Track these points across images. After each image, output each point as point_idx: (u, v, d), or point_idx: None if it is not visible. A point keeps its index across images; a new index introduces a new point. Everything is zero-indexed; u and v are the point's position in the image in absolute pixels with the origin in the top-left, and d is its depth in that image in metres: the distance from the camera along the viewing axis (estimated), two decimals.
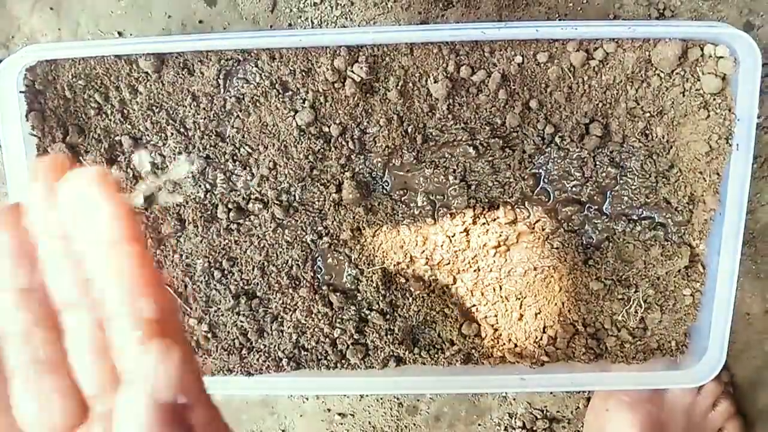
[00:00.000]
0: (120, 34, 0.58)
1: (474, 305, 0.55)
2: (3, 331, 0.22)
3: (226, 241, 0.55)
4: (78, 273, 0.21)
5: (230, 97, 0.52)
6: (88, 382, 0.22)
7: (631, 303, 0.54)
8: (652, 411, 0.56)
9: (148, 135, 0.53)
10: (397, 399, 0.65)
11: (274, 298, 0.55)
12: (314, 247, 0.55)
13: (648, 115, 0.51)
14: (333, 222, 0.54)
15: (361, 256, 0.55)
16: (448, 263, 0.54)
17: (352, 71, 0.51)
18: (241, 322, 0.55)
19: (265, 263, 0.55)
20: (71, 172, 0.22)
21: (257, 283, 0.55)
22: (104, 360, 0.22)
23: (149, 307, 0.20)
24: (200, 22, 0.58)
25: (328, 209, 0.54)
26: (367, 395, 0.65)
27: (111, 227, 0.20)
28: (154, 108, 0.53)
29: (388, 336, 0.55)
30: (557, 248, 0.54)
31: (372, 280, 0.54)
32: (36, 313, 0.22)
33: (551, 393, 0.64)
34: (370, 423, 0.66)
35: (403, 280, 0.55)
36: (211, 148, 0.53)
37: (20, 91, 0.52)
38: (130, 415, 0.20)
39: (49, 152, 0.53)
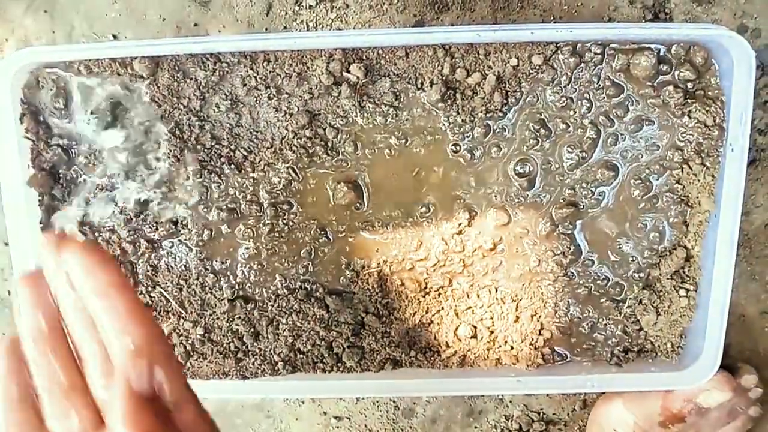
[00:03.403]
0: (115, 36, 0.58)
1: (470, 307, 0.55)
2: (32, 362, 0.29)
3: (221, 244, 0.55)
4: (86, 316, 0.29)
5: (225, 100, 0.52)
6: (100, 398, 0.28)
7: (626, 305, 0.54)
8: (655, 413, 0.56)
9: (142, 138, 0.53)
10: (394, 402, 0.65)
11: (270, 302, 0.55)
12: (310, 250, 0.55)
13: (642, 116, 0.51)
14: (328, 224, 0.54)
15: (356, 258, 0.54)
16: (444, 265, 0.54)
17: (348, 74, 0.51)
18: (237, 325, 0.55)
19: (260, 266, 0.55)
20: (68, 245, 0.29)
21: (252, 287, 0.55)
22: (110, 377, 0.28)
23: (133, 338, 0.28)
24: (195, 24, 0.58)
25: (324, 212, 0.54)
26: (363, 398, 0.65)
27: (101, 281, 0.28)
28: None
29: (384, 339, 0.55)
30: (552, 250, 0.54)
31: (368, 283, 0.54)
32: (57, 349, 0.29)
33: (547, 395, 0.64)
34: (366, 426, 0.66)
35: (399, 283, 0.55)
36: (206, 151, 0.53)
37: (14, 94, 0.52)
38: (115, 403, 0.27)
39: (42, 155, 0.53)
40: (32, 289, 0.30)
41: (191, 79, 0.52)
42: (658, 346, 0.55)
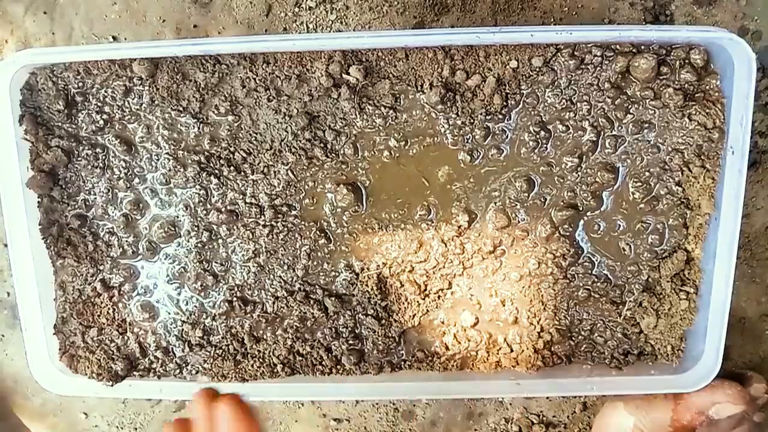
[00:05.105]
0: (114, 38, 0.58)
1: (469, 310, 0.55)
2: None
3: (220, 245, 0.55)
4: None
5: (224, 102, 0.52)
6: None
7: (626, 307, 0.54)
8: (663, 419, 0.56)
9: (141, 139, 0.53)
10: (393, 404, 0.65)
11: (269, 303, 0.55)
12: (309, 252, 0.54)
13: (642, 119, 0.51)
14: (327, 226, 0.54)
15: (356, 260, 0.54)
16: (443, 268, 0.54)
17: (347, 76, 0.51)
18: (236, 327, 0.55)
19: (260, 268, 0.55)
20: (221, 399, 0.40)
21: (251, 289, 0.55)
22: None
23: None
24: (195, 26, 0.58)
25: (323, 213, 0.54)
26: (362, 400, 0.65)
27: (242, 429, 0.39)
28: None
29: (384, 341, 0.55)
30: (552, 252, 0.54)
31: (367, 285, 0.54)
32: None
33: (547, 398, 0.64)
34: (365, 428, 0.66)
35: (398, 285, 0.55)
36: (205, 153, 0.53)
37: (13, 96, 0.52)
38: None
39: (42, 157, 0.53)
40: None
41: (190, 80, 0.52)
42: (658, 348, 0.55)
